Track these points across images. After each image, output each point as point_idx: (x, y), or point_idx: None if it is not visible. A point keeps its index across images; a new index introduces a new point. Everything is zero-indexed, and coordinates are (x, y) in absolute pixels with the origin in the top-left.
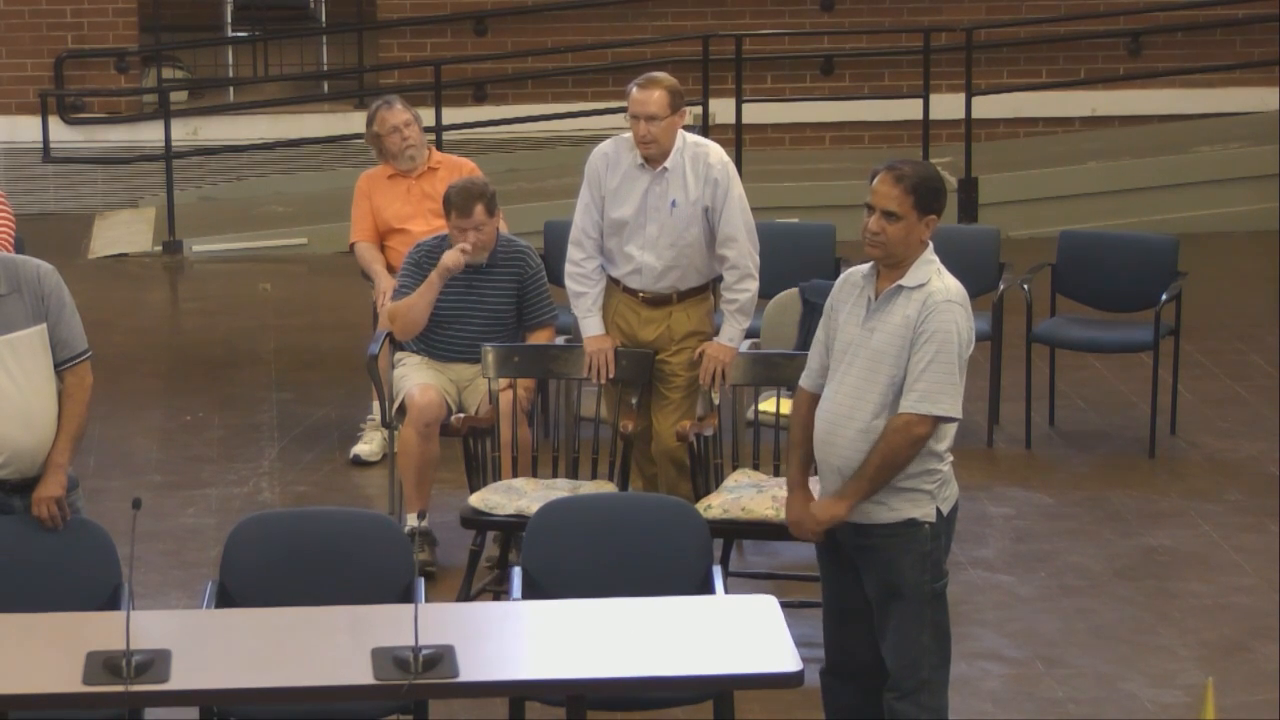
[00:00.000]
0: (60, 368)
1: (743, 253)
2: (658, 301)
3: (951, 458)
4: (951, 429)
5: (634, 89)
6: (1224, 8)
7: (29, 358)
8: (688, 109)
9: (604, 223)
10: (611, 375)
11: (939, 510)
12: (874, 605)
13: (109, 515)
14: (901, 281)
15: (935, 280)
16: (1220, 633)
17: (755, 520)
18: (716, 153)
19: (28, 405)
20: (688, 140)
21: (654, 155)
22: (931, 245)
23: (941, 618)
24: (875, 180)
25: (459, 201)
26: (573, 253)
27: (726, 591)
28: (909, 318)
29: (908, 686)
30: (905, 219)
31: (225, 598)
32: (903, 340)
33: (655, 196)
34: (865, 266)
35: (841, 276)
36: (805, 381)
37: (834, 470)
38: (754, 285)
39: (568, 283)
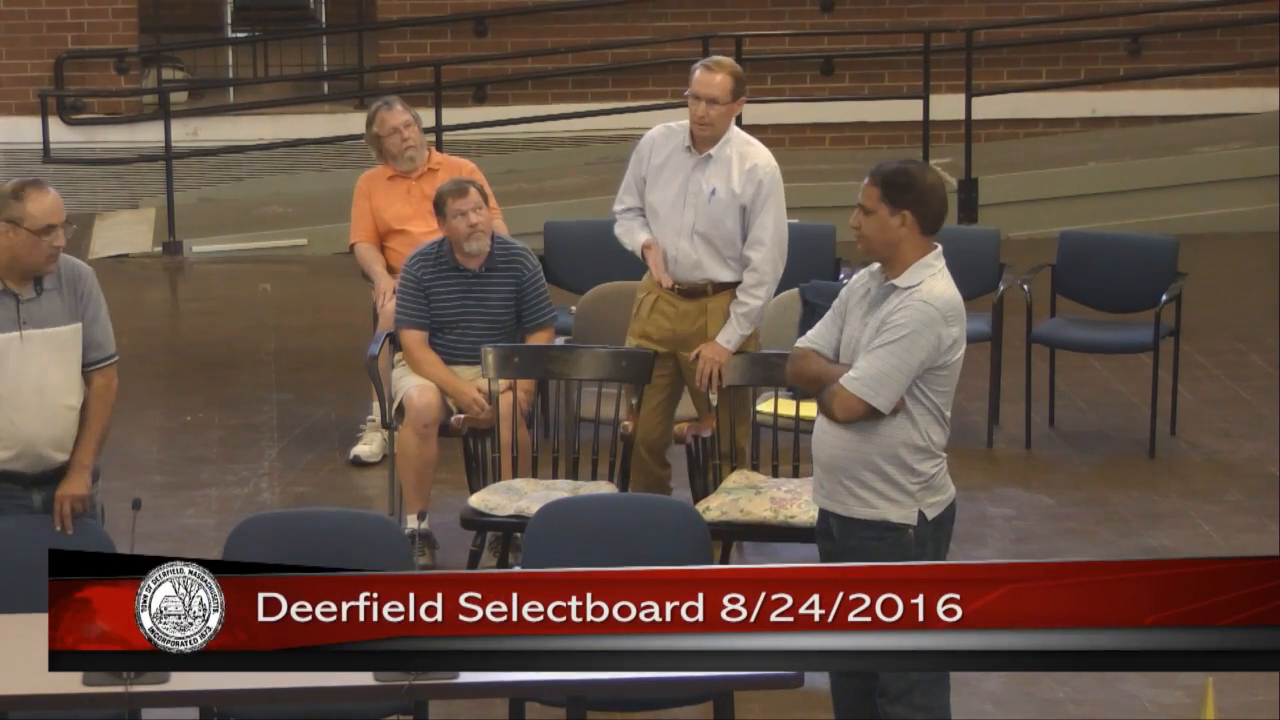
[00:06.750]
0: (90, 368)
1: (766, 259)
2: (692, 293)
3: (944, 458)
4: (942, 432)
5: (698, 70)
6: (1224, 8)
7: (60, 354)
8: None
9: (644, 206)
10: (670, 281)
11: (922, 514)
12: None
13: (109, 515)
14: (895, 281)
15: (927, 283)
16: None
17: (753, 522)
18: (766, 156)
19: (52, 400)
20: (741, 136)
21: (706, 138)
22: (938, 250)
23: None
24: None
25: (453, 188)
26: (617, 211)
27: None
28: (889, 314)
29: (897, 690)
30: (875, 213)
31: None
32: None
33: (696, 183)
34: (876, 265)
35: (865, 270)
36: (803, 343)
37: (820, 465)
38: (766, 294)
39: (616, 229)
